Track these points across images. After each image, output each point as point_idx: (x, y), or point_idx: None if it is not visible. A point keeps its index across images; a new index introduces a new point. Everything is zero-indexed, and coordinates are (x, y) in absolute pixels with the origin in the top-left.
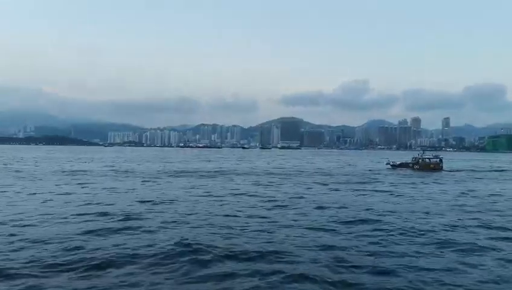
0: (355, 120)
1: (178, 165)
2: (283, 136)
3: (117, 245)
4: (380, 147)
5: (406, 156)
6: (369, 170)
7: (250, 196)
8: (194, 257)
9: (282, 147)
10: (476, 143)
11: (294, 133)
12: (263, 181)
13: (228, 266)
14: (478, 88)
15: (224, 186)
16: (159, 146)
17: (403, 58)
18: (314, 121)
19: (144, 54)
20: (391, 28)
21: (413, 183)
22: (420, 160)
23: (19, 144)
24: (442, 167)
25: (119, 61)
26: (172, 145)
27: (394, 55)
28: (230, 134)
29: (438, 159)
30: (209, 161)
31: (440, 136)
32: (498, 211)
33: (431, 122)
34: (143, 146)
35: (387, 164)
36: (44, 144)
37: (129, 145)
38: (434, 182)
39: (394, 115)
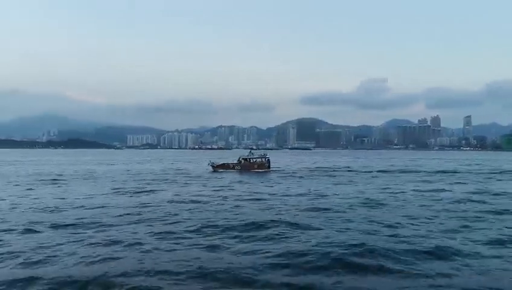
0: (375, 120)
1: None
2: (299, 137)
3: None
4: (396, 146)
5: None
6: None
7: None
8: None
9: (293, 148)
10: (498, 142)
11: (310, 134)
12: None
13: None
14: (503, 85)
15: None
16: (176, 148)
17: (423, 56)
18: (334, 121)
19: (164, 57)
20: (409, 26)
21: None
22: (243, 160)
23: (41, 147)
24: (268, 166)
25: (142, 64)
26: (188, 147)
27: (414, 53)
28: (247, 135)
29: (263, 159)
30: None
31: (461, 135)
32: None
33: (454, 120)
34: (157, 148)
35: (208, 164)
36: (63, 148)
37: (144, 148)
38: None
39: (415, 114)
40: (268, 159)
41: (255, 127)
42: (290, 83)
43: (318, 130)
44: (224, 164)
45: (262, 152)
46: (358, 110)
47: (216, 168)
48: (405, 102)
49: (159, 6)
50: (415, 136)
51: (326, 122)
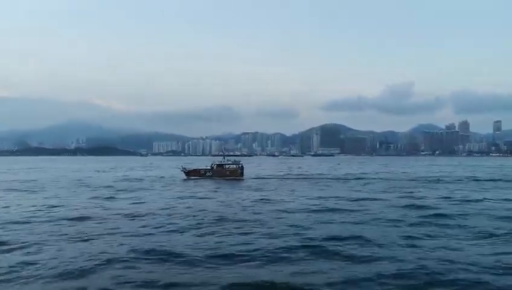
0: (401, 125)
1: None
2: (323, 143)
3: None
4: (423, 152)
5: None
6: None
7: None
8: None
9: (316, 155)
10: None
11: (334, 140)
12: None
13: None
14: None
15: None
16: (199, 155)
17: (450, 58)
18: (358, 127)
19: (188, 62)
20: (436, 26)
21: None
22: (215, 166)
23: (69, 155)
24: (241, 173)
25: (167, 71)
26: (212, 154)
27: (440, 56)
28: (271, 142)
29: (236, 166)
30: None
31: (491, 141)
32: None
33: (484, 125)
34: (180, 155)
35: (181, 170)
36: (89, 155)
37: (168, 155)
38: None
39: (442, 119)
40: (241, 166)
41: (280, 133)
42: (318, 88)
43: (342, 136)
44: (196, 169)
45: (234, 159)
46: (384, 116)
47: (188, 174)
48: (432, 106)
49: (179, 13)
50: (443, 142)
51: (351, 128)
